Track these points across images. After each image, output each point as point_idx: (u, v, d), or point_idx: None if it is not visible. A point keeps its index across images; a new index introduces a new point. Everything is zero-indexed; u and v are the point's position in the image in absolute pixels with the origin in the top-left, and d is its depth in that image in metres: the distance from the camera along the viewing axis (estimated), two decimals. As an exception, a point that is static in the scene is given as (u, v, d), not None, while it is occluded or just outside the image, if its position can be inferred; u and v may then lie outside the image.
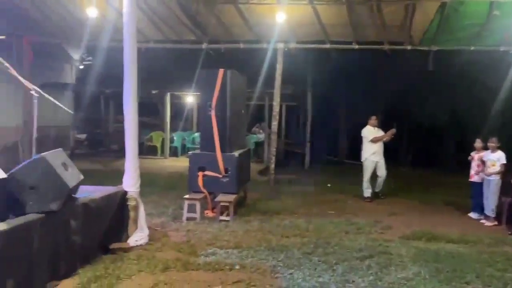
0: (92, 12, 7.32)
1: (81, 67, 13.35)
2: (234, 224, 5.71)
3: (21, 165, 3.49)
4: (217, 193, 6.22)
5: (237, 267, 4.06)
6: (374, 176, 7.80)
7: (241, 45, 8.51)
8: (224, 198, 5.97)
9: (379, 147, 7.72)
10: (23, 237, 3.19)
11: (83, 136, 15.95)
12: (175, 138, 14.38)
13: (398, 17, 7.42)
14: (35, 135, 4.38)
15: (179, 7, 7.50)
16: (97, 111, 16.99)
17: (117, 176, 6.84)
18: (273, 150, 8.17)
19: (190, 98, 15.80)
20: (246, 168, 7.19)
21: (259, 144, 14.17)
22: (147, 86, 11.85)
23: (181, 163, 12.33)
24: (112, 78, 12.09)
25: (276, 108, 8.17)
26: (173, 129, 14.68)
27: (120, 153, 12.80)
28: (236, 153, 6.30)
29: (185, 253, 4.40)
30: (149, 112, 15.36)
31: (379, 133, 7.77)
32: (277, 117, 8.35)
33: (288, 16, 7.22)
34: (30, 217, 3.32)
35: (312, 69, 12.41)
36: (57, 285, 3.49)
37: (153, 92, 13.63)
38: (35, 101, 4.40)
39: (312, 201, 7.63)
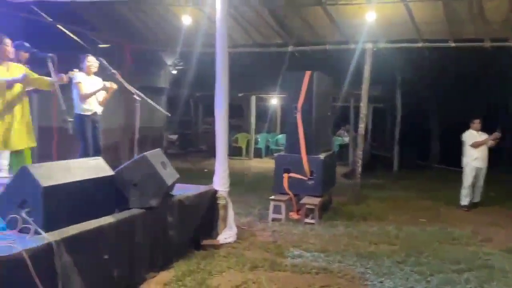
0: (186, 20, 7.76)
1: (174, 72, 14.17)
2: (319, 227, 5.67)
3: (126, 164, 3.81)
4: (302, 195, 6.23)
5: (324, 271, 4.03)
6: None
7: (328, 47, 8.41)
8: (309, 201, 5.96)
9: (482, 153, 7.17)
10: (127, 230, 3.48)
11: (174, 136, 16.92)
12: (259, 139, 14.66)
13: (501, 11, 6.82)
14: (137, 136, 4.75)
15: (267, 11, 7.64)
16: (188, 113, 17.92)
17: (205, 175, 7.16)
18: (360, 153, 7.95)
19: (274, 100, 15.99)
20: (331, 171, 7.10)
21: (343, 147, 13.90)
22: (233, 89, 12.24)
23: (265, 164, 12.54)
24: (201, 82, 12.70)
25: (363, 110, 7.95)
26: (258, 130, 14.98)
27: (208, 153, 13.50)
28: (322, 156, 6.25)
29: (272, 253, 4.46)
30: (234, 114, 15.86)
31: (482, 137, 7.21)
32: (364, 119, 8.11)
33: (378, 15, 6.99)
34: (133, 212, 3.61)
35: (402, 69, 11.89)
36: (154, 276, 3.74)
37: (239, 95, 14.01)
38: (137, 104, 4.77)
39: (402, 207, 7.30)
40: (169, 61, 13.83)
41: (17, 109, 4.28)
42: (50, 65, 4.14)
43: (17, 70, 4.33)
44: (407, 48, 8.43)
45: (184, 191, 4.55)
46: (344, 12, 7.35)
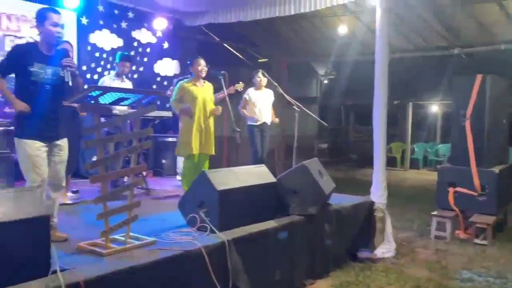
0: (342, 30, 7.79)
1: (326, 81, 14.31)
2: (492, 249, 5.01)
3: (286, 172, 3.98)
4: (471, 212, 5.59)
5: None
6: None
7: (502, 47, 7.46)
8: (481, 219, 5.32)
9: None
10: (288, 236, 3.62)
11: (325, 145, 17.02)
12: (416, 149, 13.73)
13: None
14: (295, 144, 4.92)
15: (431, 13, 7.16)
16: (338, 122, 17.85)
17: (358, 185, 6.99)
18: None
19: (433, 107, 14.82)
20: (508, 187, 6.22)
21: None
22: (388, 97, 11.77)
23: (423, 176, 11.67)
24: (353, 91, 12.55)
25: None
26: (414, 140, 14.06)
27: (360, 162, 13.18)
28: (496, 169, 5.53)
29: (437, 274, 4.11)
30: (388, 122, 15.18)
31: None
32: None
33: None
34: (293, 218, 3.73)
35: None
36: (312, 283, 3.79)
37: (395, 102, 13.37)
38: (297, 115, 4.95)
39: None
40: (321, 71, 14.04)
41: (202, 119, 4.83)
42: (222, 81, 4.64)
43: (207, 88, 4.92)
44: None
45: (340, 200, 4.53)
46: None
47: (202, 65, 4.85)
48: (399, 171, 12.98)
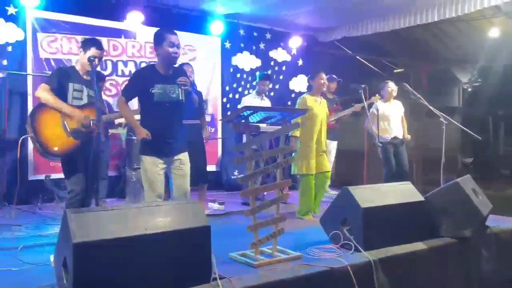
0: (493, 33, 7.05)
1: (470, 89, 13.03)
2: None
3: (436, 190, 3.70)
4: None
5: None
6: None
7: None
8: None
9: None
10: (439, 259, 3.34)
11: (469, 159, 15.42)
12: None
13: None
14: (443, 160, 4.56)
15: None
16: (485, 134, 16.04)
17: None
18: None
19: None
20: None
21: None
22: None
23: None
24: (503, 99, 11.17)
25: None
26: None
27: None
28: None
29: None
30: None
31: None
32: None
33: None
34: (445, 240, 3.44)
35: None
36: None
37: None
38: (443, 127, 4.60)
39: None
40: (464, 79, 12.83)
41: (320, 137, 4.72)
42: (362, 94, 4.54)
43: (324, 105, 4.77)
44: None
45: (498, 223, 4.04)
46: None
47: (324, 79, 4.66)
48: None
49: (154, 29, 6.18)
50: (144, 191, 3.33)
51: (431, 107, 4.71)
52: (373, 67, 9.70)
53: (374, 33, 6.47)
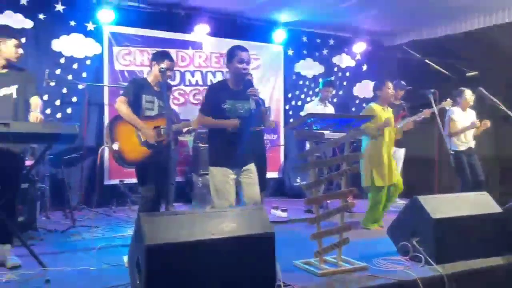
0: None
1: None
2: None
3: (515, 201, 3.44)
4: None
5: None
6: None
7: None
8: None
9: None
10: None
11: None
12: None
13: None
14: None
15: None
16: None
17: None
18: None
19: None
20: None
21: None
22: None
23: None
24: None
25: None
26: None
27: None
28: None
29: None
30: None
31: None
32: None
33: None
34: (526, 257, 3.18)
35: None
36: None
37: None
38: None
39: None
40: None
41: (388, 146, 4.57)
42: (432, 99, 4.34)
43: (389, 113, 4.62)
44: None
45: None
46: None
47: (391, 88, 4.56)
48: None
49: (220, 39, 6.57)
50: (211, 199, 3.40)
51: (509, 112, 4.38)
52: (443, 70, 9.23)
53: (444, 36, 6.16)
